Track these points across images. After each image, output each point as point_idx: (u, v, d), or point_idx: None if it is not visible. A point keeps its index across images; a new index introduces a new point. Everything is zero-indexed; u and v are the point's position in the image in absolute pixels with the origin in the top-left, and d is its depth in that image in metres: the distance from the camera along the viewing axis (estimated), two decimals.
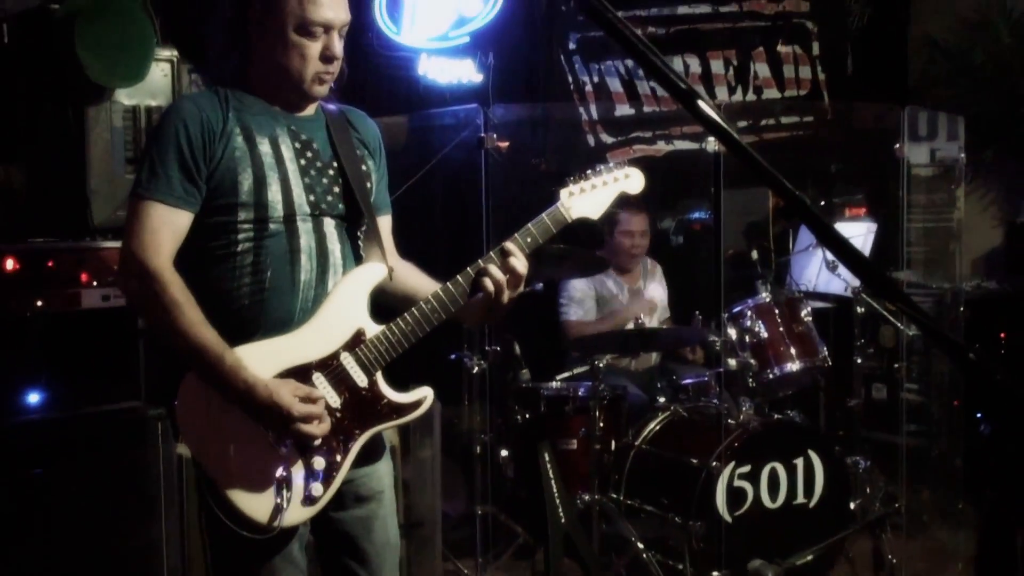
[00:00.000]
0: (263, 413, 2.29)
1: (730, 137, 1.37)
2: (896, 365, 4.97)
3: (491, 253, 2.48)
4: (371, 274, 2.50)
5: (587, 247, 4.77)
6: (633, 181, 2.68)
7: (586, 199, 2.60)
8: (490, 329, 4.42)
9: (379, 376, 2.44)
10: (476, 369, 4.45)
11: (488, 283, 2.45)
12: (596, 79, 6.21)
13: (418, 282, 2.63)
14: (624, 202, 4.89)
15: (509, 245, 2.48)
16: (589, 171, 2.64)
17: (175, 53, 4.58)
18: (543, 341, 5.36)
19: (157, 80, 4.51)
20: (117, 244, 3.20)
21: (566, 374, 4.98)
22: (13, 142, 4.14)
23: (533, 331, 5.31)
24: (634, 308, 5.26)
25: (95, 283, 3.65)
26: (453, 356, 4.53)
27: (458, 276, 2.46)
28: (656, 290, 5.53)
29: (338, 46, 2.43)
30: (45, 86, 4.24)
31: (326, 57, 2.41)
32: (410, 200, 3.90)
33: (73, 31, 4.12)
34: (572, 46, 6.13)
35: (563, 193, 2.58)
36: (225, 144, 2.35)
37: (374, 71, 5.35)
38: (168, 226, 2.32)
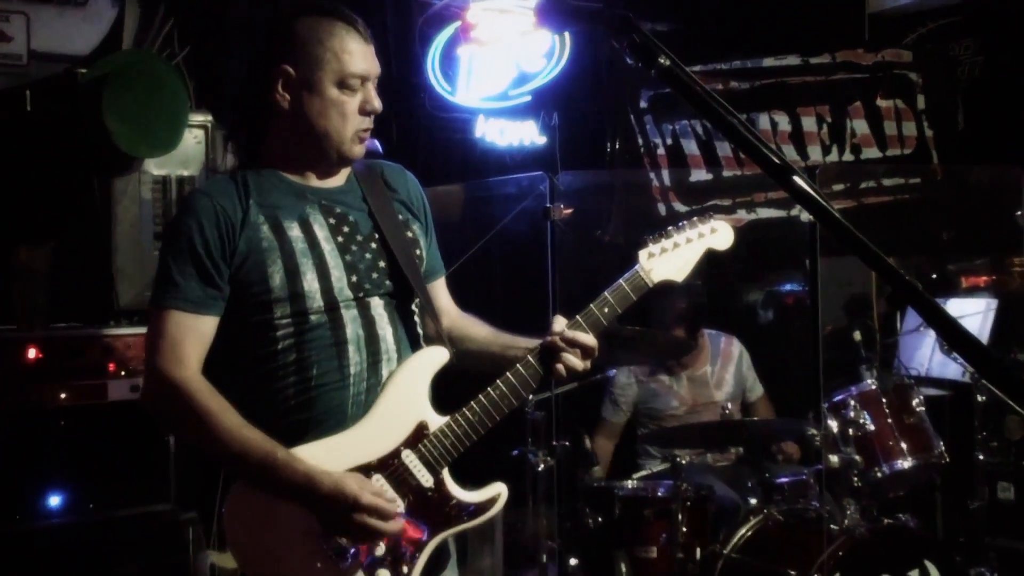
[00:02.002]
0: (325, 505, 2.28)
1: (831, 217, 1.38)
2: None
3: (562, 328, 2.50)
4: (431, 360, 2.50)
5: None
6: (721, 236, 2.68)
7: (668, 260, 2.60)
8: (557, 423, 4.41)
9: (446, 474, 2.44)
10: (542, 466, 4.43)
11: (558, 366, 2.48)
12: (669, 141, 6.24)
13: (484, 338, 2.68)
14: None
15: (580, 320, 2.50)
16: (671, 227, 2.64)
17: (209, 118, 4.73)
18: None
19: (189, 148, 4.64)
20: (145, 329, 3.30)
21: (644, 472, 4.95)
22: (36, 220, 4.28)
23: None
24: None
25: (123, 373, 3.74)
26: (516, 451, 4.51)
27: (528, 357, 2.48)
28: (729, 376, 5.43)
29: (376, 97, 2.49)
30: (70, 157, 4.39)
31: (365, 111, 2.47)
32: (468, 274, 3.94)
33: (100, 97, 4.28)
34: (643, 104, 6.17)
35: (642, 255, 2.58)
36: (249, 236, 2.39)
37: (427, 135, 5.44)
38: (191, 334, 2.36)
